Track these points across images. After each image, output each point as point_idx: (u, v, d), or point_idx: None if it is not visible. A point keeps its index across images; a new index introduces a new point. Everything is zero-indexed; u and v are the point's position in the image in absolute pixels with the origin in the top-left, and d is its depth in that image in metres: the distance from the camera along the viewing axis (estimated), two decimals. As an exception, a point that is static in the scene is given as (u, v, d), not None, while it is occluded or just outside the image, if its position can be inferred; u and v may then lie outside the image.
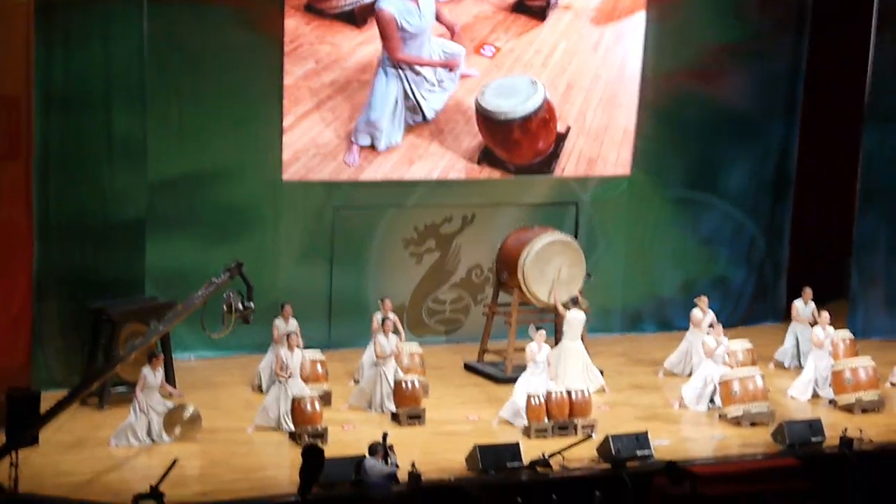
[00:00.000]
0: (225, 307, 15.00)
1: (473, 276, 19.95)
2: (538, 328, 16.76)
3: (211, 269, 17.90)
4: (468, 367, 18.63)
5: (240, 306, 14.95)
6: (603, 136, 20.01)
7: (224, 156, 18.27)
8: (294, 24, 18.29)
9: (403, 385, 16.54)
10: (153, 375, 15.44)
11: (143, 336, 15.72)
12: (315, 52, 18.41)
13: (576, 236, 19.35)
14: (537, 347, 16.47)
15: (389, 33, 18.64)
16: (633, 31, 19.96)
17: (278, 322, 17.15)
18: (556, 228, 18.79)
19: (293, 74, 18.36)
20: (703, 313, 18.42)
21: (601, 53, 19.86)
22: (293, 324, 17.11)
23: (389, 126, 18.90)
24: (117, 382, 16.45)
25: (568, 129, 19.83)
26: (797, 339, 18.93)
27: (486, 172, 19.55)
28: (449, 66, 19.11)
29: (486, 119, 19.42)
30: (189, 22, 17.84)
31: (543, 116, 19.67)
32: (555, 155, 19.79)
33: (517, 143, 19.60)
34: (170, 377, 16.37)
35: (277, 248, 18.71)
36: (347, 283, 19.10)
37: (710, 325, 17.75)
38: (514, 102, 19.48)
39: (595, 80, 19.89)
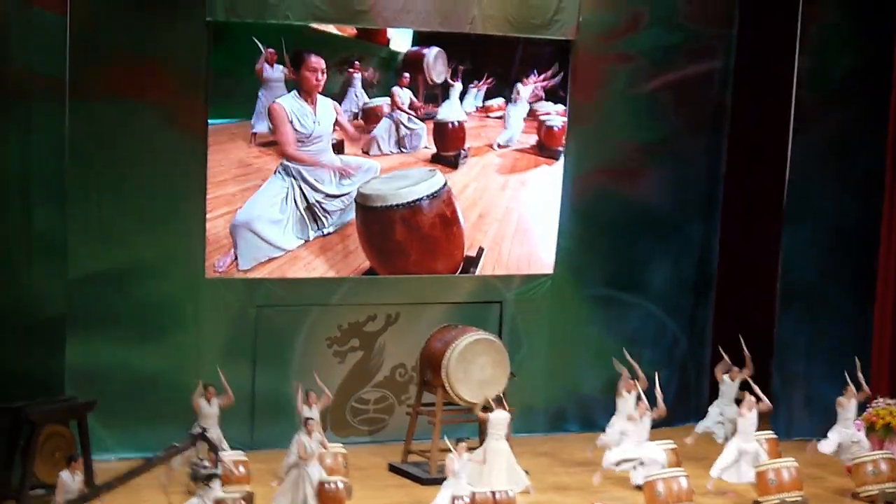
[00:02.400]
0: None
1: (397, 376, 19.81)
2: (459, 440, 16.58)
3: (133, 367, 17.74)
4: (392, 468, 18.42)
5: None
6: (526, 237, 20.04)
7: (146, 253, 18.10)
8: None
9: (327, 486, 16.32)
10: (72, 479, 15.05)
11: (64, 437, 15.48)
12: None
13: (500, 335, 19.29)
14: (457, 459, 16.31)
15: (280, 127, 18.45)
16: (539, 177, 20.07)
17: (202, 401, 16.96)
18: (479, 327, 18.72)
19: (216, 172, 18.25)
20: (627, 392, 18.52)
21: (510, 192, 19.97)
22: (215, 405, 17.00)
23: (270, 229, 18.64)
24: (36, 485, 16.10)
25: (480, 252, 19.66)
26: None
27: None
28: (344, 173, 18.95)
29: (363, 213, 18.92)
30: (112, 118, 17.73)
31: (441, 212, 19.34)
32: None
33: (401, 250, 19.22)
34: (89, 479, 16.01)
35: (200, 347, 18.47)
36: (270, 383, 18.88)
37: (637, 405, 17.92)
38: (398, 185, 19.14)
39: (508, 212, 19.93)
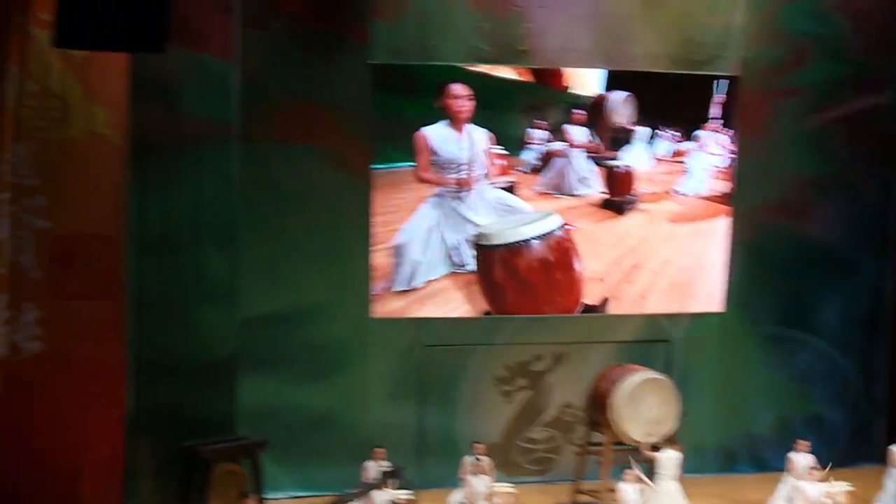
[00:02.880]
0: None
1: (565, 415, 19.70)
2: (632, 467, 16.45)
3: (303, 407, 17.95)
4: (534, 508, 18.35)
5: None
6: (693, 274, 19.83)
7: (313, 294, 18.29)
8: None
9: (496, 525, 16.31)
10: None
11: (237, 475, 15.73)
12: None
13: (668, 374, 19.08)
14: (629, 489, 16.15)
15: (419, 153, 18.47)
16: (711, 229, 19.79)
17: (370, 464, 17.04)
18: (647, 366, 18.55)
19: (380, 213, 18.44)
20: (801, 457, 17.99)
21: (677, 244, 19.71)
22: (385, 466, 17.03)
23: (421, 257, 18.68)
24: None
25: (604, 302, 19.39)
26: None
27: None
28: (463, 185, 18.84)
29: (476, 250, 18.74)
30: (278, 161, 18.00)
31: (543, 257, 19.06)
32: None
33: (499, 291, 18.91)
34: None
35: (367, 386, 18.59)
36: (438, 422, 18.91)
37: (810, 470, 17.34)
38: (506, 225, 18.99)
39: (665, 265, 19.66)
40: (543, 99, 18.99)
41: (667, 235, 19.67)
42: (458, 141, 18.72)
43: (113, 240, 16.17)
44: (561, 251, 19.13)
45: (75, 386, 15.75)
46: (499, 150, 18.85)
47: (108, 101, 16.10)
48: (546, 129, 19.04)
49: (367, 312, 18.48)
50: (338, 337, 18.44)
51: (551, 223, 18.99)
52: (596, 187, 19.32)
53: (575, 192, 19.26)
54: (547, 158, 19.07)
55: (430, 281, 18.66)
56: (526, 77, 18.98)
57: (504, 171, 18.93)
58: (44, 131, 15.77)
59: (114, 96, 16.13)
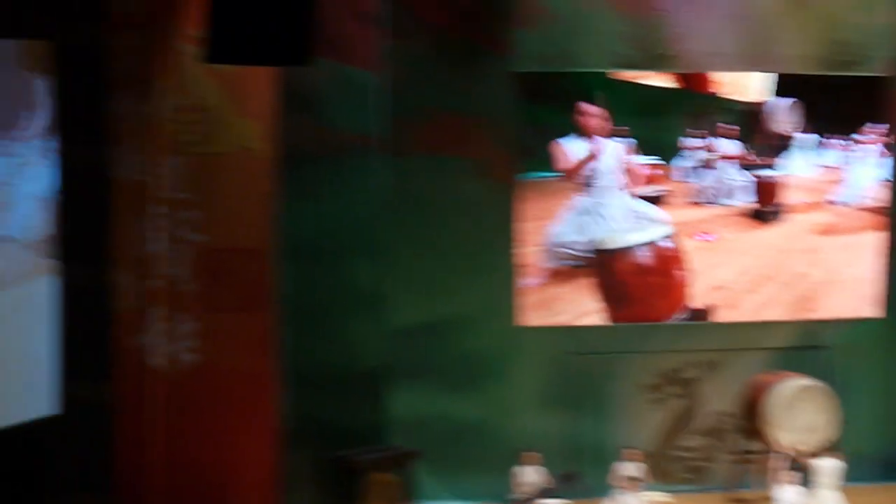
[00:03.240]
0: None
1: (718, 423, 19.43)
2: (788, 472, 16.19)
3: (454, 416, 17.94)
4: (717, 517, 18.11)
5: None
6: (846, 281, 19.46)
7: (462, 304, 18.28)
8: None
9: (653, 532, 16.20)
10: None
11: (390, 485, 15.79)
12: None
13: (825, 380, 18.73)
14: (786, 492, 15.90)
15: (556, 161, 18.46)
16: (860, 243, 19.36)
17: (521, 470, 16.99)
18: (803, 372, 18.24)
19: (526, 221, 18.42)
20: None
21: (815, 257, 19.36)
22: (538, 472, 16.99)
23: (559, 258, 18.59)
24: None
25: (710, 308, 19.03)
26: None
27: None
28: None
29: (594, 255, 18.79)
30: (426, 172, 18.05)
31: (643, 264, 18.85)
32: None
33: (600, 295, 18.76)
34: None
35: (516, 395, 18.51)
36: (588, 430, 18.76)
37: None
38: (612, 231, 18.83)
39: (798, 277, 19.31)
40: (697, 106, 18.82)
41: (808, 247, 19.32)
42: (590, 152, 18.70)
43: (264, 252, 16.29)
44: (662, 258, 18.88)
45: (230, 397, 15.89)
46: (651, 159, 18.74)
47: (257, 114, 16.24)
48: (699, 137, 18.87)
49: (515, 322, 18.46)
50: (486, 346, 18.40)
51: (656, 233, 18.81)
52: (746, 197, 19.08)
53: (725, 202, 19.05)
54: (699, 167, 18.90)
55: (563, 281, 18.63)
56: (676, 83, 18.84)
57: (656, 180, 18.79)
58: (195, 146, 15.95)
59: (262, 109, 16.28)
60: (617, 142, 18.59)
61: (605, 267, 18.71)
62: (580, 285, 18.60)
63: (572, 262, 18.58)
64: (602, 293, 18.72)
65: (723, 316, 19.04)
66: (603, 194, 18.72)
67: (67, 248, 14.28)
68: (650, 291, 18.93)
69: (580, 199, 18.60)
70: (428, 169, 18.10)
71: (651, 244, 18.83)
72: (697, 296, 18.89)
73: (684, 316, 18.96)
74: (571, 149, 18.48)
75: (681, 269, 18.92)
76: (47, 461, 13.73)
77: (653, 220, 18.77)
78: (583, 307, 18.63)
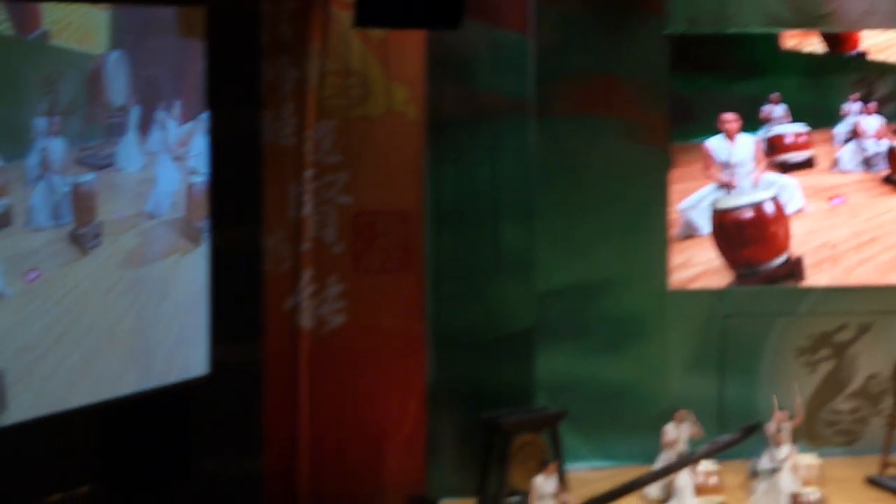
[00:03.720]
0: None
1: (871, 386, 19.20)
2: None
3: (601, 378, 17.96)
4: (870, 481, 17.85)
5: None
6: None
7: (610, 266, 18.23)
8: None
9: (801, 497, 16.03)
10: (546, 483, 15.44)
11: (537, 446, 15.93)
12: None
13: None
14: None
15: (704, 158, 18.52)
16: None
17: (669, 427, 17.00)
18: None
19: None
20: None
21: None
22: (684, 429, 16.97)
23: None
24: (511, 492, 16.54)
25: (798, 259, 18.73)
26: None
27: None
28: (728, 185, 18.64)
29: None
30: (576, 134, 17.99)
31: (748, 219, 18.65)
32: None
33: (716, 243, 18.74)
34: (563, 486, 16.30)
35: (665, 359, 18.47)
36: (738, 393, 18.66)
37: None
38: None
39: None
40: (849, 69, 18.52)
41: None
42: (729, 150, 18.48)
43: (412, 214, 16.46)
44: (761, 215, 18.65)
45: (378, 359, 16.13)
46: (797, 126, 18.51)
47: (406, 78, 16.38)
48: (849, 102, 18.61)
49: (665, 284, 18.40)
50: (635, 308, 18.34)
51: (761, 196, 18.60)
52: (885, 164, 18.81)
53: (863, 169, 18.76)
54: (845, 133, 18.65)
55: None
56: (828, 46, 18.56)
57: (800, 147, 18.59)
58: (345, 110, 16.14)
59: (411, 73, 16.40)
60: (749, 137, 18.51)
61: (723, 225, 18.67)
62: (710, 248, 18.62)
63: (703, 229, 18.53)
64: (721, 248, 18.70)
65: (875, 279, 18.82)
66: (734, 185, 18.66)
67: (220, 211, 14.56)
68: (748, 240, 18.81)
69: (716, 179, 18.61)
70: (578, 131, 18.03)
71: (753, 205, 18.72)
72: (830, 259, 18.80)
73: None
74: (714, 146, 18.46)
75: (779, 225, 18.75)
76: (197, 422, 14.06)
77: (778, 184, 18.64)
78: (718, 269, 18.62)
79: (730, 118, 18.43)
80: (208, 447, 14.05)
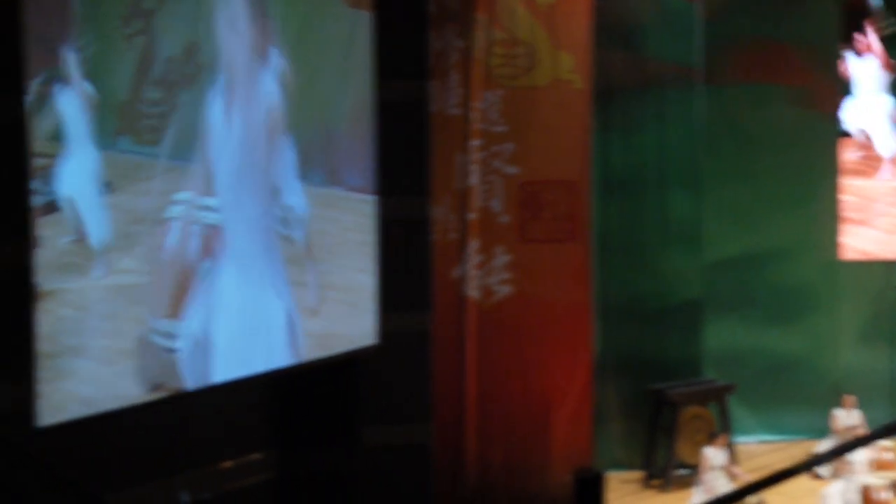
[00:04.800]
0: None
1: None
2: None
3: (769, 350, 17.71)
4: None
5: None
6: None
7: (779, 236, 18.00)
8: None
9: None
10: (716, 455, 15.28)
11: (705, 418, 15.79)
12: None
13: None
14: None
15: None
16: None
17: (838, 412, 16.69)
18: None
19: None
20: None
21: None
22: (854, 415, 16.65)
23: None
24: (679, 465, 16.40)
25: None
26: None
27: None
28: None
29: None
30: (744, 102, 17.77)
31: None
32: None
33: None
34: (731, 458, 16.13)
35: (835, 331, 18.15)
36: (911, 367, 18.31)
37: None
38: None
39: None
40: None
41: None
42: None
43: (578, 184, 16.31)
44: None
45: (544, 329, 16.03)
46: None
47: (573, 46, 16.22)
48: None
49: (835, 254, 18.07)
50: (805, 279, 18.07)
51: None
52: None
53: None
54: None
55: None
56: None
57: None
58: (511, 79, 16.05)
59: (578, 41, 16.23)
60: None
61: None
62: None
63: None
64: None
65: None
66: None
67: (388, 181, 14.57)
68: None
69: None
70: (747, 98, 17.81)
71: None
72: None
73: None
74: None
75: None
76: (366, 391, 14.12)
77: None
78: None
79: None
80: (377, 416, 14.10)
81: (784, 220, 17.96)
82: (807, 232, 18.06)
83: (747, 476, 15.67)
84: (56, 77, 9.67)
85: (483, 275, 15.91)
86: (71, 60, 9.75)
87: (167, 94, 10.74)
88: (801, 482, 16.59)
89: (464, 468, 15.69)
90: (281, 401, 13.97)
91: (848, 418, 16.62)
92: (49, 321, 9.71)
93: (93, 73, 9.95)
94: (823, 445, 16.68)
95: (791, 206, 17.98)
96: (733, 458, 16.05)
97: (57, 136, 9.82)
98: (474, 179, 15.87)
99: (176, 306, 11.02)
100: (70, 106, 9.81)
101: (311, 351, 13.48)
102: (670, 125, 17.11)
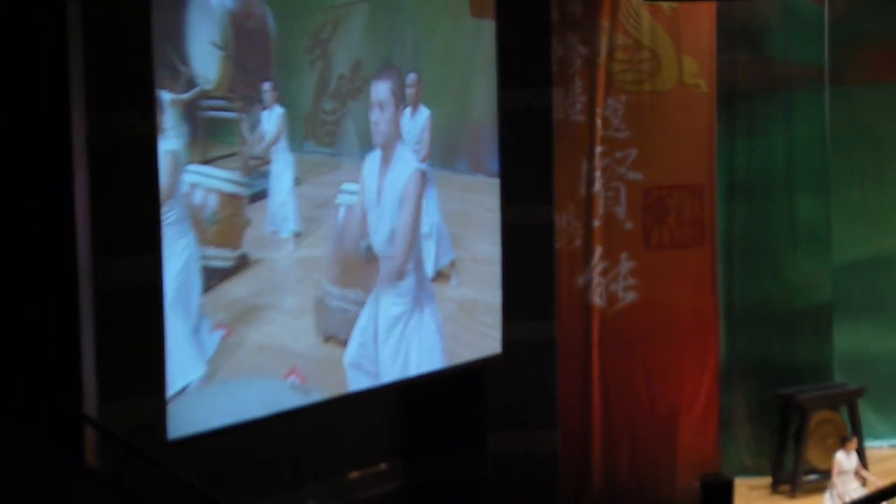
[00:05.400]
0: None
1: None
2: None
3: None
4: None
5: None
6: None
7: (910, 238, 17.79)
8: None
9: None
10: (847, 460, 15.16)
11: (835, 423, 15.66)
12: None
13: None
14: None
15: None
16: None
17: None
18: None
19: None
20: None
21: None
22: None
23: None
24: (808, 470, 16.28)
25: None
26: None
27: None
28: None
29: None
30: (871, 102, 17.55)
31: None
32: None
33: None
34: (864, 464, 15.98)
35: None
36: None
37: None
38: None
39: None
40: None
41: None
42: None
43: (704, 188, 16.24)
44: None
45: (670, 335, 15.99)
46: None
47: (696, 50, 16.15)
48: None
49: (966, 255, 17.81)
50: (936, 282, 17.86)
51: None
52: None
53: None
54: None
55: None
56: None
57: None
58: (635, 84, 16.02)
59: (702, 45, 16.16)
60: None
61: None
62: None
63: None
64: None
65: None
66: None
67: (512, 188, 14.66)
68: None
69: None
70: (873, 98, 17.57)
71: None
72: None
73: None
74: None
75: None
76: (493, 399, 14.21)
77: None
78: None
79: None
80: (503, 424, 14.19)
81: (913, 223, 17.75)
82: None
83: (878, 481, 15.49)
84: (260, 103, 12.18)
85: (608, 282, 15.92)
86: (267, 89, 12.22)
87: (339, 104, 12.93)
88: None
89: (590, 475, 15.72)
90: (407, 410, 14.13)
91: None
92: (256, 281, 11.97)
93: (284, 95, 12.36)
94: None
95: (921, 207, 17.75)
96: (864, 462, 15.89)
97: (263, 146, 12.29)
98: (598, 186, 15.88)
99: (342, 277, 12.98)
100: (270, 124, 12.27)
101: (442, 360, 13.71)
102: (797, 127, 16.97)
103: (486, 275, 14.22)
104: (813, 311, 16.99)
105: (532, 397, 14.47)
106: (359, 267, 13.08)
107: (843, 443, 15.48)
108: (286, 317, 12.26)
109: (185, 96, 11.33)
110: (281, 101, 12.29)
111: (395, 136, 13.39)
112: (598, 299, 15.84)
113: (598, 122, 15.88)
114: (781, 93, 16.93)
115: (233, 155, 11.92)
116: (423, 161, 13.68)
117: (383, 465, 13.88)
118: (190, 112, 11.39)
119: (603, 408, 15.78)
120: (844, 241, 17.41)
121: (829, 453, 15.60)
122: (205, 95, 11.56)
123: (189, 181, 11.41)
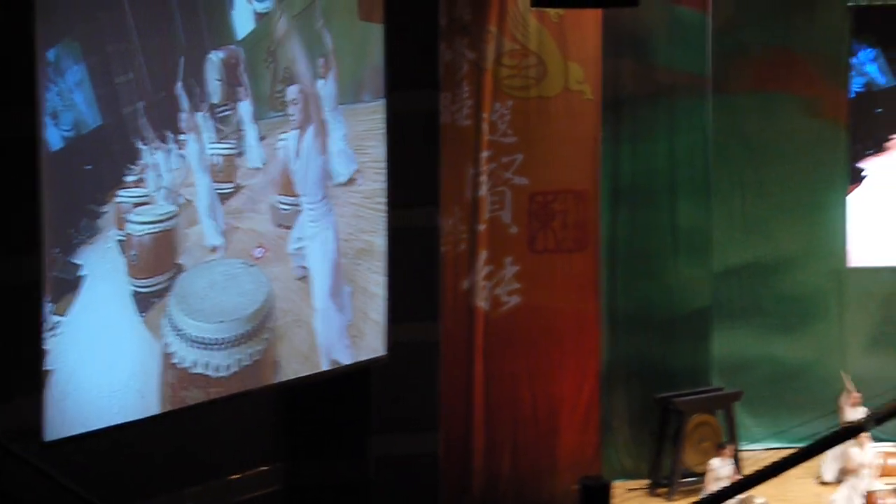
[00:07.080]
0: None
1: None
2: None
3: (777, 358, 17.80)
4: None
5: None
6: None
7: (787, 244, 18.07)
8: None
9: None
10: (723, 467, 15.40)
11: (712, 426, 15.91)
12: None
13: None
14: None
15: None
16: None
17: (847, 410, 16.81)
18: None
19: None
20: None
21: None
22: (860, 412, 16.75)
23: None
24: (685, 473, 16.52)
25: None
26: None
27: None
28: None
29: None
30: (753, 111, 17.85)
31: None
32: None
33: None
34: (738, 468, 16.24)
35: (843, 338, 18.22)
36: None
37: None
38: None
39: None
40: None
41: None
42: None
43: (588, 194, 16.44)
44: None
45: (552, 339, 16.17)
46: None
47: (582, 57, 16.32)
48: None
49: (843, 262, 18.12)
50: (812, 287, 18.13)
51: None
52: None
53: None
54: None
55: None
56: None
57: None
58: (521, 90, 16.16)
59: (587, 52, 16.34)
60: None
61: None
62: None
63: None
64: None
65: None
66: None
67: (398, 191, 14.69)
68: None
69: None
70: (756, 107, 17.87)
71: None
72: None
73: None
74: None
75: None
76: (375, 401, 14.25)
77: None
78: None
79: None
80: (385, 426, 14.24)
81: (792, 229, 18.04)
82: (815, 240, 18.12)
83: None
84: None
85: (492, 285, 16.06)
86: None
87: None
88: (807, 487, 16.80)
89: (472, 477, 15.85)
90: (289, 412, 14.11)
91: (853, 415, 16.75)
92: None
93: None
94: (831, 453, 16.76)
95: (799, 214, 18.06)
96: (739, 467, 16.16)
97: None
98: (484, 190, 16.01)
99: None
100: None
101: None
102: (680, 134, 17.20)
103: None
104: (692, 316, 17.25)
105: (415, 400, 14.53)
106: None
107: (718, 447, 15.74)
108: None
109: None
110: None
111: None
112: (482, 303, 15.98)
113: (485, 126, 16.00)
114: (665, 100, 17.15)
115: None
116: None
117: (264, 468, 13.88)
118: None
119: (485, 410, 15.92)
120: (724, 247, 17.71)
121: (706, 456, 15.86)
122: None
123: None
